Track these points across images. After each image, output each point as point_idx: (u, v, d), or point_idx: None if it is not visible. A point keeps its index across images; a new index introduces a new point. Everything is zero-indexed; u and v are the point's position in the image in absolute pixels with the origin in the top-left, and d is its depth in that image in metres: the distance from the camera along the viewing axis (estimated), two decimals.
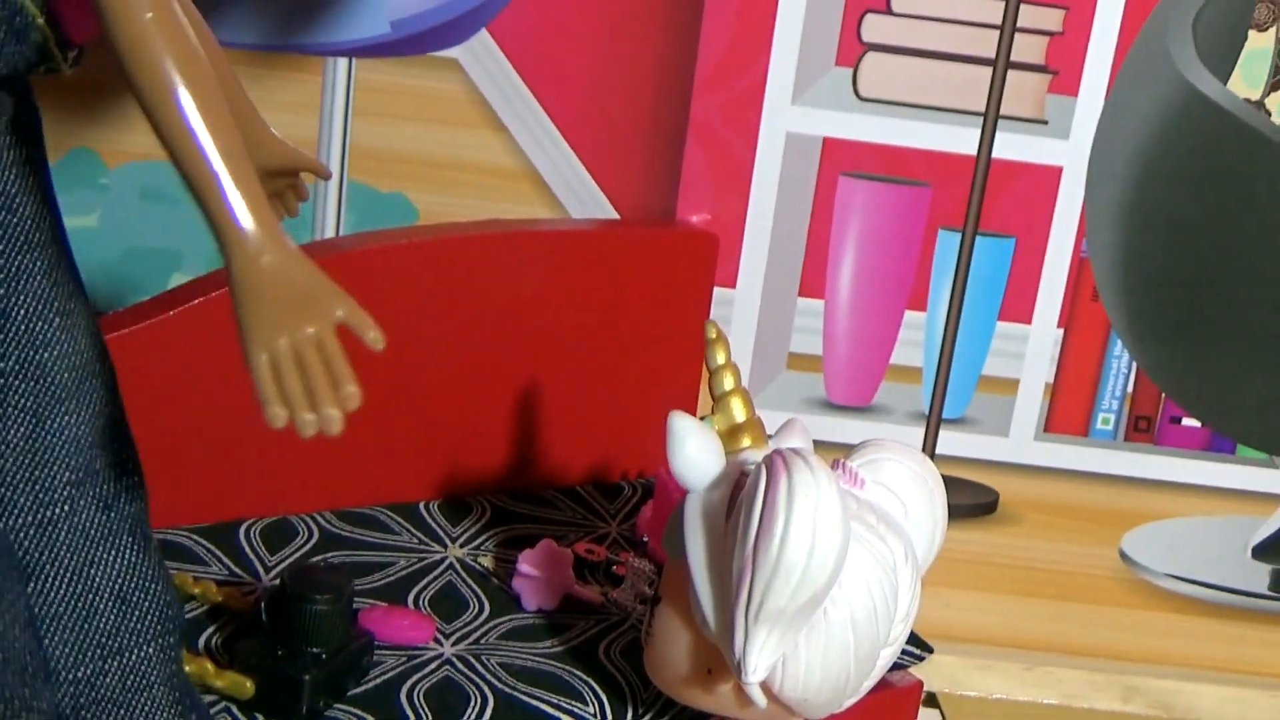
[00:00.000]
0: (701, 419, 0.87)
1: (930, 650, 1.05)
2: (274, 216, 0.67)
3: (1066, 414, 1.33)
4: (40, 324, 0.71)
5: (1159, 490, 1.35)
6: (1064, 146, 1.27)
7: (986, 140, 1.26)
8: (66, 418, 0.72)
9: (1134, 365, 1.32)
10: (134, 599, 0.75)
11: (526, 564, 1.01)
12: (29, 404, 0.71)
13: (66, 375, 0.72)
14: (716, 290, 1.24)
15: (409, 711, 0.89)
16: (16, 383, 0.71)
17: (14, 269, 0.70)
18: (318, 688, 0.87)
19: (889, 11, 1.24)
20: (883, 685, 0.97)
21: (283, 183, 0.93)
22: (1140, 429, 1.34)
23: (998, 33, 1.24)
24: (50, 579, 0.74)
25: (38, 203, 0.71)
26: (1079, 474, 1.34)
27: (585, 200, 1.25)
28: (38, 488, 0.72)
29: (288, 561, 1.02)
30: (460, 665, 0.94)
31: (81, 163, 1.21)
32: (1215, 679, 1.39)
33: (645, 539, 1.09)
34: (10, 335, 0.71)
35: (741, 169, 1.25)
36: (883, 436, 0.88)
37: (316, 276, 0.67)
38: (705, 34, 1.22)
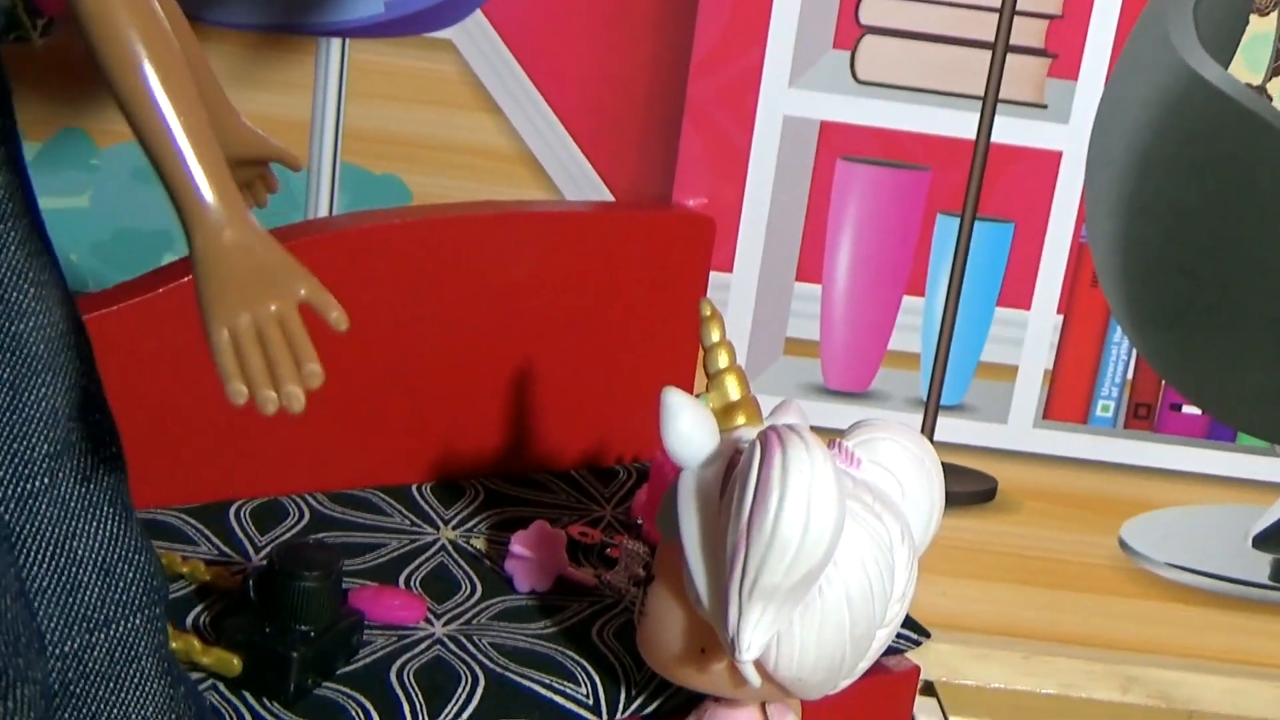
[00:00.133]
0: (696, 396, 0.86)
1: (927, 635, 1.04)
2: (238, 193, 0.67)
3: (1066, 401, 1.32)
4: (15, 294, 0.70)
5: (1159, 478, 1.34)
6: (1064, 131, 1.26)
7: (985, 124, 1.25)
8: (43, 389, 0.71)
9: (1134, 352, 1.31)
10: (118, 570, 0.74)
11: (519, 545, 1.00)
12: (6, 375, 0.71)
13: (42, 347, 0.71)
14: (713, 275, 1.23)
15: (399, 690, 0.88)
16: None
17: None
18: (306, 665, 0.86)
19: None
20: (879, 670, 0.97)
21: (252, 172, 0.92)
22: (1140, 416, 1.33)
23: (997, 15, 1.23)
24: (33, 552, 0.73)
25: (10, 173, 0.70)
26: (1078, 461, 1.33)
27: (580, 183, 1.24)
28: (17, 460, 0.71)
29: (278, 542, 1.01)
30: (451, 645, 0.93)
31: (72, 143, 1.20)
32: (1215, 669, 1.38)
33: (640, 522, 1.08)
34: None
35: (738, 152, 1.24)
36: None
37: (279, 254, 0.67)
38: (702, 16, 1.21)
